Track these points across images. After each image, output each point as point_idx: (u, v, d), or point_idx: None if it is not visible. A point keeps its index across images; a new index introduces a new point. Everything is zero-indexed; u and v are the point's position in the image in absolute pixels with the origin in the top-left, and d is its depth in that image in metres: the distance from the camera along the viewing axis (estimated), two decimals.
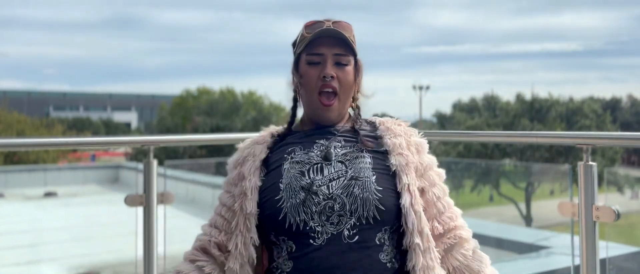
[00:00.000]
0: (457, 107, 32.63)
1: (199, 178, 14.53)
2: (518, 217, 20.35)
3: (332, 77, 1.38)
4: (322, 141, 1.40)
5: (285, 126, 1.53)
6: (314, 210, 1.28)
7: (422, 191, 1.38)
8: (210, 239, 1.43)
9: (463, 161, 20.51)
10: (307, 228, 1.27)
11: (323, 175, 1.32)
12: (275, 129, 1.53)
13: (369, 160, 1.36)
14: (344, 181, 1.31)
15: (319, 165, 1.34)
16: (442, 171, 1.46)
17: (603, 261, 1.93)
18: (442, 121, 30.81)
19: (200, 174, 15.68)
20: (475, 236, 1.43)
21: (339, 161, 1.35)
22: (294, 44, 1.49)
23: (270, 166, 1.41)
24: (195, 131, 30.23)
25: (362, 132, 1.44)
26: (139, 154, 21.97)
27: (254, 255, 1.35)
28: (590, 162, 1.88)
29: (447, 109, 35.69)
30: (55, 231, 11.30)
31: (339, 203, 1.28)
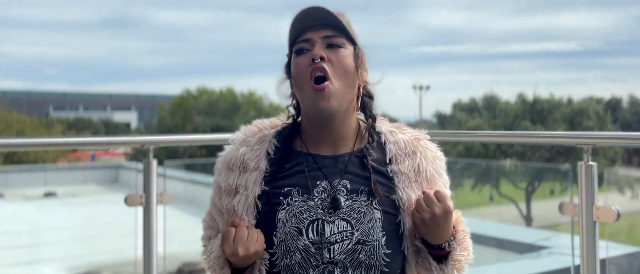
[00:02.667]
0: (457, 107, 32.68)
1: (199, 178, 14.52)
2: (518, 217, 20.33)
3: (321, 58, 1.19)
4: (324, 184, 1.21)
5: (287, 123, 1.32)
6: (310, 273, 1.15)
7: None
8: None
9: (463, 160, 20.48)
10: None
11: (324, 237, 1.16)
12: (271, 129, 1.31)
13: (379, 215, 1.18)
14: (348, 244, 1.15)
15: (318, 222, 1.17)
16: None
17: (603, 261, 1.93)
18: (442, 121, 30.83)
19: (200, 174, 15.67)
20: (475, 236, 1.38)
21: (343, 219, 1.17)
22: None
23: (263, 203, 1.22)
24: (195, 131, 30.23)
25: (373, 166, 1.24)
26: (138, 154, 21.95)
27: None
28: (591, 162, 1.89)
29: (447, 109, 35.75)
30: (55, 231, 11.29)
31: (340, 268, 1.15)
